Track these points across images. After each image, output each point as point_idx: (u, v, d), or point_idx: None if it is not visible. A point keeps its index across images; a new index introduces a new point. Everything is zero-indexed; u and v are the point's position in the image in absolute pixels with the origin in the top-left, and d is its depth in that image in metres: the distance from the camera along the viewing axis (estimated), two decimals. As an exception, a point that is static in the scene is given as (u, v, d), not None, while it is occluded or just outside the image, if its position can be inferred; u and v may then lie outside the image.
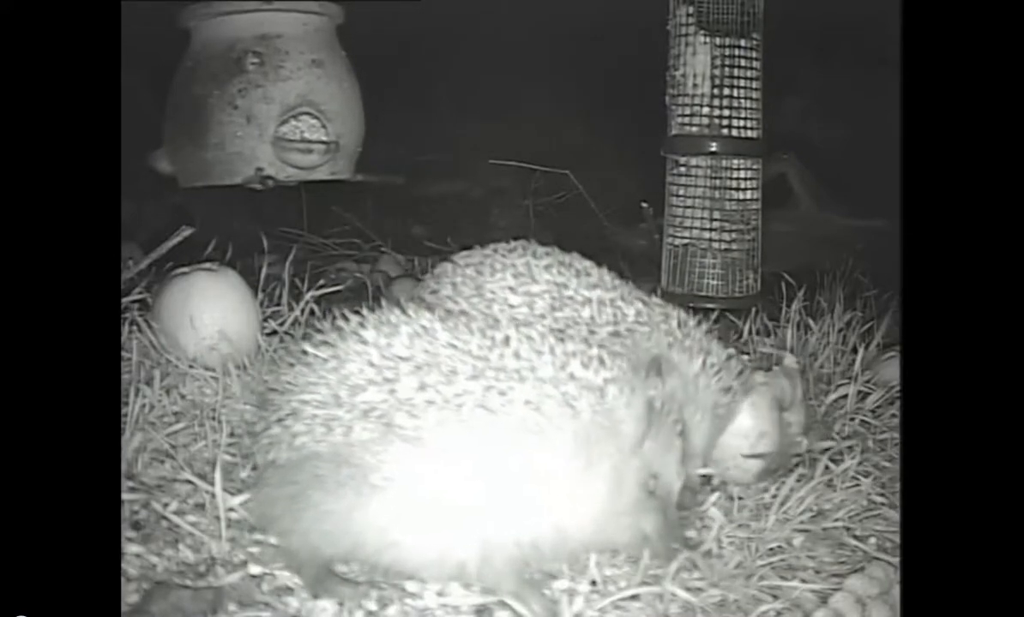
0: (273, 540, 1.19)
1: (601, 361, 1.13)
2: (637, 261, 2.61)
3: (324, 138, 2.44)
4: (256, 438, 1.22)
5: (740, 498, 1.44)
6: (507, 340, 1.13)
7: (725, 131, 2.24)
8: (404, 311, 1.19)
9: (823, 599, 1.21)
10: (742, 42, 2.22)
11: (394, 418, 1.07)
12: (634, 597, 1.17)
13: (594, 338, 1.38)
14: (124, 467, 1.34)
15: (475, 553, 1.08)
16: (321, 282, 2.06)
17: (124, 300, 1.86)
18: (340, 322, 1.20)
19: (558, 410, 1.07)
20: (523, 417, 1.06)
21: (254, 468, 1.34)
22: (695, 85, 2.24)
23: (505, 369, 1.10)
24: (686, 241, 2.29)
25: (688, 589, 1.18)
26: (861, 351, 1.97)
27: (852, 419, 1.79)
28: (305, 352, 1.18)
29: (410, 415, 1.07)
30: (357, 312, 1.21)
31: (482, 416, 1.06)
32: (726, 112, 2.23)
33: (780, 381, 1.55)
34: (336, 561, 1.16)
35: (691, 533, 1.29)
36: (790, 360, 1.65)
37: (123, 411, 1.47)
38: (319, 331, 1.20)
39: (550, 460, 1.07)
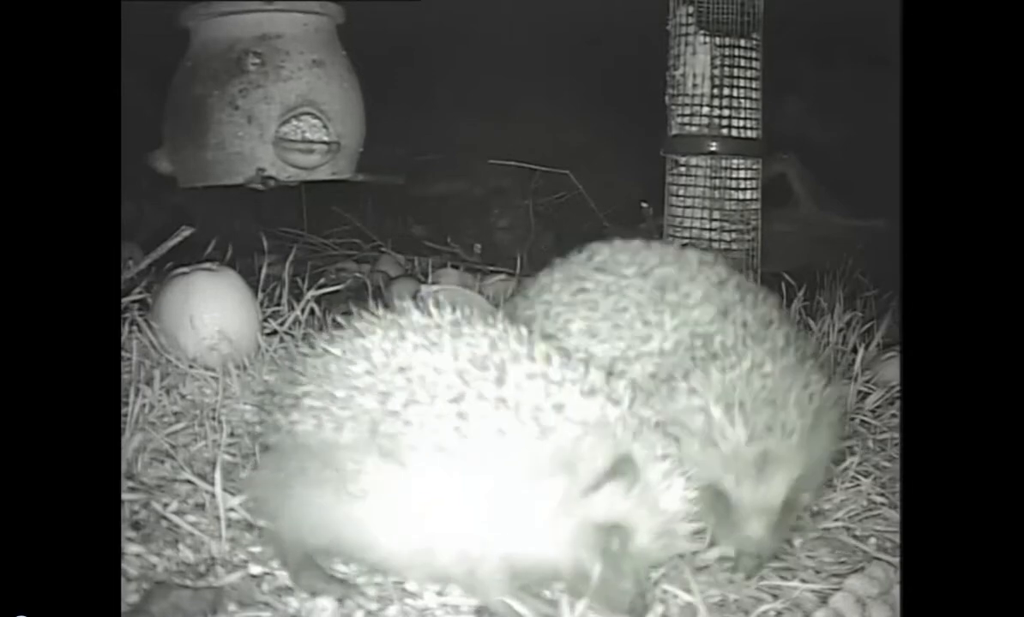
0: (264, 523, 1.20)
1: (609, 398, 1.09)
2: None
3: (325, 138, 2.44)
4: (264, 420, 1.24)
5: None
6: (502, 364, 1.10)
7: (725, 131, 2.23)
8: (424, 312, 1.18)
9: (823, 599, 1.21)
10: (742, 42, 2.22)
11: (378, 428, 1.07)
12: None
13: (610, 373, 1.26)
14: (124, 467, 1.34)
15: (460, 568, 1.08)
16: (321, 282, 2.06)
17: (124, 300, 1.86)
18: (348, 326, 1.20)
19: (529, 440, 1.05)
20: (492, 444, 1.05)
21: (254, 466, 1.34)
22: (695, 85, 2.24)
23: (486, 395, 1.07)
24: (686, 241, 2.28)
25: (687, 589, 1.18)
26: (861, 351, 1.96)
27: (852, 419, 1.79)
28: (312, 346, 1.19)
29: (392, 428, 1.07)
30: (371, 314, 1.21)
31: (455, 438, 1.05)
32: (726, 112, 2.23)
33: None
34: (320, 553, 1.16)
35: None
36: None
37: (123, 411, 1.46)
38: (336, 327, 1.22)
39: (511, 484, 1.05)
